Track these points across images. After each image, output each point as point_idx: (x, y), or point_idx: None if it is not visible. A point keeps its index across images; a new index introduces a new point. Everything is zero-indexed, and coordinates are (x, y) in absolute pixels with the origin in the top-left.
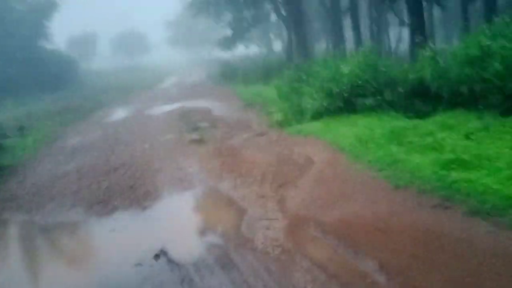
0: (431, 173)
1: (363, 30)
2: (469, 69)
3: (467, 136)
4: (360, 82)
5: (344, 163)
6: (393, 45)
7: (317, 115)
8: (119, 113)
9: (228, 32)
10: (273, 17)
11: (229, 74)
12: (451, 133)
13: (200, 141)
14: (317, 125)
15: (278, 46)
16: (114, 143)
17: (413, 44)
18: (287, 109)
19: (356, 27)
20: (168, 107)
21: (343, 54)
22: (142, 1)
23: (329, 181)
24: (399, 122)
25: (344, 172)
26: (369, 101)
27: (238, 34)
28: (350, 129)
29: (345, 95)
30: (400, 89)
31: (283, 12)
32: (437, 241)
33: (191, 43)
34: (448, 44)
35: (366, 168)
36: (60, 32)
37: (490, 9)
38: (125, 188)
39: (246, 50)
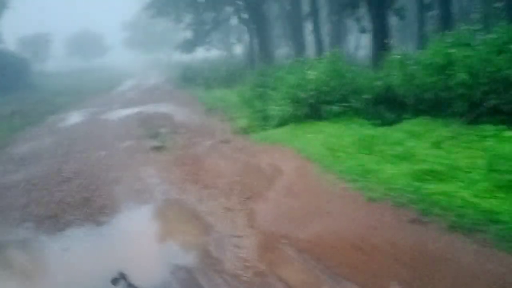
0: (405, 184)
1: (323, 36)
2: (435, 77)
3: (436, 145)
4: (326, 88)
5: (314, 174)
6: (351, 51)
7: (283, 122)
8: (74, 118)
9: (189, 34)
10: (234, 20)
11: (189, 78)
12: (419, 141)
13: (161, 149)
14: (283, 132)
15: (239, 50)
16: (68, 151)
17: (376, 50)
18: (251, 115)
19: (317, 33)
20: (126, 112)
21: (306, 59)
22: (99, 1)
23: (300, 193)
24: (367, 130)
25: (315, 183)
26: (335, 108)
27: (199, 37)
28: (317, 136)
29: (311, 101)
30: (367, 96)
31: (245, 16)
32: (420, 261)
33: (150, 46)
34: (404, 51)
35: (338, 179)
36: (13, 32)
37: (445, 17)
38: (80, 201)
39: (207, 54)
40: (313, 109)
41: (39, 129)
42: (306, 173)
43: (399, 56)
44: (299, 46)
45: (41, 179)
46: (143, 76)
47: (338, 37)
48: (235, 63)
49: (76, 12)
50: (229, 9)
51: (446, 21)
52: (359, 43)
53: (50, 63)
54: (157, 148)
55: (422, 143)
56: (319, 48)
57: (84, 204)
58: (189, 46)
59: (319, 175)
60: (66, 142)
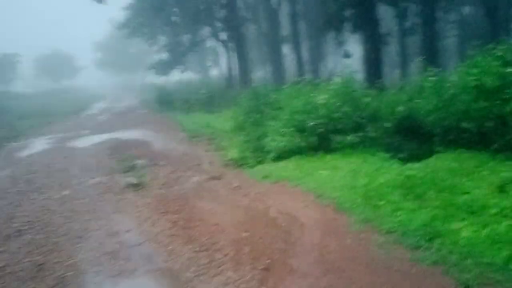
0: (506, 260)
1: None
2: (482, 102)
3: (501, 189)
4: (338, 115)
5: (353, 232)
6: (330, 73)
7: (284, 154)
8: (37, 146)
9: (164, 56)
10: (211, 42)
11: (165, 100)
12: (476, 184)
13: (138, 187)
14: (287, 167)
15: (214, 72)
16: (24, 189)
17: (370, 74)
18: (243, 145)
19: (297, 55)
20: (96, 138)
21: (313, 81)
22: (69, 20)
23: (344, 264)
24: (396, 166)
25: (362, 249)
26: (349, 138)
27: (175, 59)
28: (334, 174)
29: (320, 130)
30: (386, 124)
31: (223, 37)
32: None
33: (123, 67)
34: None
35: (394, 244)
36: None
37: (429, 38)
38: (28, 271)
39: (181, 76)
40: (321, 139)
41: None
42: (339, 229)
43: (434, 78)
44: (277, 68)
45: None
46: (116, 98)
47: (318, 59)
48: (213, 85)
49: (46, 31)
50: (206, 30)
51: (430, 44)
52: (337, 66)
53: (17, 84)
54: (133, 186)
55: (482, 186)
56: (299, 70)
57: (33, 277)
58: (164, 67)
59: (361, 235)
60: (23, 177)
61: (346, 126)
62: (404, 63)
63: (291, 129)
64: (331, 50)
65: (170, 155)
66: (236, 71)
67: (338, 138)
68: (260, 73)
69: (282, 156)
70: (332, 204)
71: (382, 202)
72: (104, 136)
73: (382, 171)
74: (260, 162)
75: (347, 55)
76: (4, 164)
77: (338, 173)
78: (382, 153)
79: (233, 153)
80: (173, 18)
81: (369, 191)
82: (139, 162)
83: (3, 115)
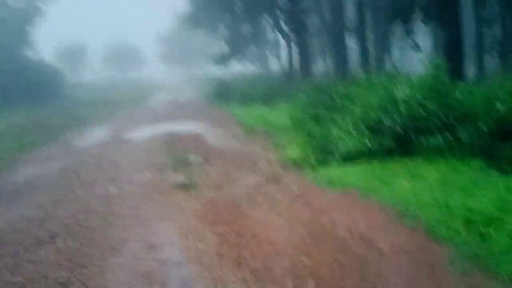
0: None
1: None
2: None
3: None
4: (422, 113)
5: (456, 273)
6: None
7: (353, 156)
8: (94, 136)
9: (224, 48)
10: (271, 34)
11: (224, 93)
12: None
13: (187, 187)
14: (357, 173)
15: (274, 65)
16: (70, 183)
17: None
18: (304, 143)
19: (363, 45)
20: (153, 130)
21: (391, 73)
22: (135, 14)
23: None
24: (497, 179)
25: None
26: (435, 140)
27: (235, 50)
28: (416, 184)
29: (400, 130)
30: (481, 125)
31: (284, 28)
32: None
33: (185, 60)
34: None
35: None
36: (48, 42)
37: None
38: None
39: (241, 68)
40: (399, 140)
41: (50, 149)
42: (437, 268)
43: None
44: (340, 60)
45: (14, 233)
46: (176, 90)
47: (383, 51)
48: (273, 78)
49: (113, 23)
50: (267, 21)
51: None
52: (402, 59)
53: (86, 74)
54: (183, 187)
55: None
56: (364, 62)
57: None
58: (224, 59)
59: (471, 280)
60: (73, 170)
61: (431, 127)
62: (480, 57)
63: (363, 127)
64: (397, 42)
65: (225, 151)
66: (296, 63)
67: (420, 140)
68: (320, 66)
69: (350, 158)
70: (420, 228)
71: (491, 231)
72: (161, 128)
73: (481, 184)
74: (323, 164)
75: (416, 47)
76: (59, 154)
77: (422, 184)
78: (476, 161)
79: (293, 152)
80: (235, 8)
81: (469, 213)
82: (192, 158)
83: (71, 104)
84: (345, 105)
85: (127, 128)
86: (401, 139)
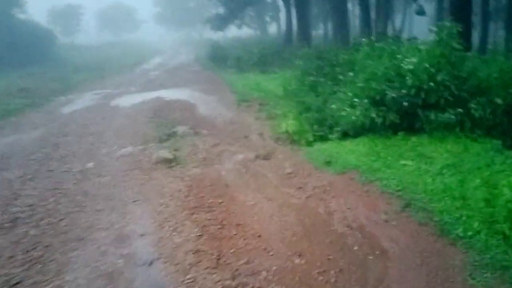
0: None
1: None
2: None
3: None
4: (431, 85)
5: None
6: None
7: (353, 131)
8: (82, 102)
9: (221, 10)
10: None
11: (219, 58)
12: None
13: (171, 163)
14: (357, 151)
15: (272, 29)
16: (47, 156)
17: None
18: (300, 115)
19: (364, 10)
20: (142, 97)
21: (398, 40)
22: None
23: None
24: None
25: None
26: (445, 116)
27: (231, 13)
28: (423, 166)
29: (405, 103)
30: (497, 100)
31: None
32: None
33: (181, 22)
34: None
35: None
36: (41, 4)
37: None
38: None
39: (238, 32)
40: (406, 116)
41: (36, 115)
42: (457, 281)
43: None
44: (341, 26)
45: None
46: (171, 53)
47: (385, 16)
48: (270, 42)
49: None
50: None
51: None
52: (404, 26)
53: (80, 36)
54: (166, 162)
55: None
56: (366, 28)
57: None
58: (221, 22)
59: None
60: (53, 140)
61: (440, 101)
62: (484, 24)
63: (365, 100)
64: (398, 7)
65: (215, 122)
66: (294, 27)
67: (427, 115)
68: (320, 31)
69: (350, 134)
70: (430, 223)
71: None
72: (151, 95)
73: (498, 168)
74: (320, 139)
75: (421, 12)
76: (41, 122)
77: (430, 166)
78: (490, 140)
79: (288, 125)
80: None
81: (490, 208)
82: (180, 129)
83: (63, 66)
84: (346, 74)
85: (116, 94)
86: (407, 113)
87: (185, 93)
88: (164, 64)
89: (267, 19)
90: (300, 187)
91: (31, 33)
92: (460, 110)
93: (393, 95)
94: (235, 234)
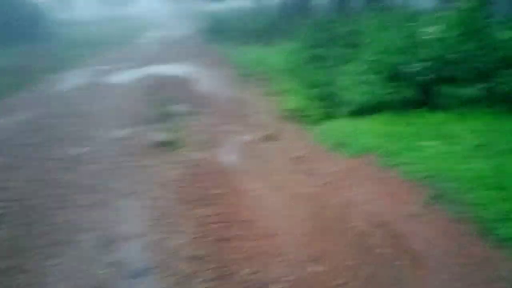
0: None
1: None
2: None
3: None
4: (453, 56)
5: None
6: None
7: (365, 109)
8: (74, 80)
9: None
10: None
11: (219, 31)
12: None
13: (169, 147)
14: (372, 130)
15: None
16: (33, 140)
17: None
18: (307, 91)
19: None
20: (138, 73)
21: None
22: None
23: None
24: None
25: None
26: (468, 91)
27: None
28: (449, 148)
29: (423, 78)
30: None
31: None
32: None
33: None
34: None
35: None
36: None
37: None
38: None
39: (239, 3)
40: (424, 91)
41: (25, 95)
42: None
43: None
44: None
45: None
46: (169, 26)
47: None
48: (270, 13)
49: None
50: None
51: None
52: None
53: (75, 11)
54: (163, 146)
55: None
56: None
57: None
58: None
59: None
60: (42, 123)
61: (465, 74)
62: None
63: (377, 75)
64: None
65: (216, 99)
66: None
67: (450, 90)
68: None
69: (361, 111)
70: (466, 220)
71: None
72: (147, 71)
73: None
74: (329, 117)
75: None
76: (31, 103)
77: (456, 147)
78: None
79: (293, 101)
80: None
81: None
82: (179, 108)
83: (55, 42)
84: (356, 47)
85: (111, 71)
86: (426, 89)
87: (183, 68)
88: (162, 38)
89: None
90: (312, 174)
91: (24, 10)
92: (485, 84)
93: (412, 69)
94: (239, 234)
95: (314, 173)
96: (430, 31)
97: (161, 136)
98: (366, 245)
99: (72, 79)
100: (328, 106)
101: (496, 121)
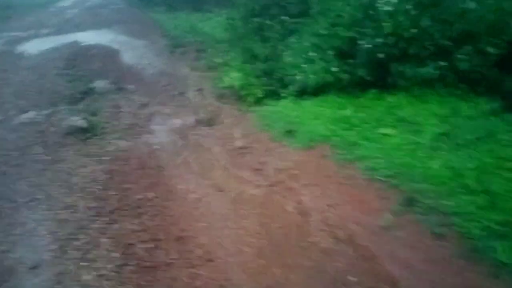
0: None
1: None
2: None
3: None
4: (412, 31)
5: None
6: None
7: (314, 90)
8: None
9: None
10: None
11: None
12: None
13: (86, 134)
14: (321, 114)
15: None
16: None
17: None
18: (246, 66)
19: None
20: (55, 42)
21: None
22: None
23: None
24: None
25: None
26: (425, 69)
27: None
28: (410, 137)
29: (380, 55)
30: (489, 49)
31: None
32: None
33: None
34: None
35: None
36: None
37: None
38: None
39: None
40: (377, 69)
41: None
42: None
43: None
44: None
45: None
46: None
47: None
48: None
49: None
50: None
51: None
52: None
53: None
54: (80, 133)
55: None
56: None
57: None
58: None
59: None
60: None
61: (422, 51)
62: None
63: (329, 51)
64: None
65: (144, 74)
66: None
67: (407, 69)
68: None
69: (311, 91)
70: (451, 236)
71: None
72: (65, 39)
73: (507, 139)
74: (272, 96)
75: None
76: None
77: (418, 136)
78: (483, 100)
79: (232, 78)
80: None
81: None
82: (99, 84)
83: None
84: (301, 16)
85: (24, 38)
86: (379, 68)
87: (106, 36)
88: (84, 1)
89: None
90: (258, 169)
91: None
92: (442, 63)
93: (368, 45)
94: (174, 259)
95: (261, 168)
96: (390, 1)
97: (78, 121)
98: (333, 271)
99: None
100: (271, 84)
101: (458, 104)
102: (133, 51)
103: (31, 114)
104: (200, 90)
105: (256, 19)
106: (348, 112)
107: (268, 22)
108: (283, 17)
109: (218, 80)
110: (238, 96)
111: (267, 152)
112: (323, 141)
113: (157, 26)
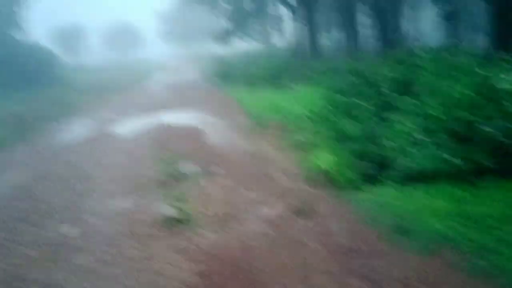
0: None
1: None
2: None
3: None
4: None
5: None
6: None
7: (420, 175)
8: (76, 130)
9: (225, 24)
10: (271, 7)
11: (227, 74)
12: None
13: (177, 227)
14: (436, 207)
15: (276, 40)
16: (14, 212)
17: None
18: (337, 145)
19: (381, 16)
20: (143, 123)
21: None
22: None
23: None
24: None
25: None
26: None
27: (237, 26)
28: None
29: (503, 140)
30: None
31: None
32: None
33: (186, 38)
34: None
35: None
36: (42, 24)
37: None
38: None
39: (245, 46)
40: (498, 153)
41: (21, 149)
42: None
43: None
44: (352, 36)
45: None
46: (177, 71)
47: (396, 22)
48: (279, 55)
49: (111, 1)
50: None
51: None
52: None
53: (84, 57)
54: (171, 225)
55: None
56: (382, 35)
57: None
58: (225, 35)
59: None
60: (29, 186)
61: None
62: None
63: (442, 134)
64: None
65: (230, 155)
66: (302, 39)
67: None
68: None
69: (417, 177)
70: None
71: None
72: (153, 119)
73: None
74: (369, 181)
75: (449, 15)
76: (25, 160)
77: None
78: None
79: (322, 159)
80: None
81: None
82: (187, 167)
83: (61, 88)
84: (401, 95)
85: (114, 119)
86: (502, 151)
87: (191, 116)
88: (168, 83)
89: (270, 30)
90: (370, 278)
91: (30, 55)
92: None
93: (490, 128)
94: None
95: (373, 277)
96: (505, 79)
97: (168, 209)
98: None
99: (74, 130)
100: (367, 167)
101: None
102: (217, 131)
103: (121, 200)
104: (288, 172)
105: (342, 98)
106: (469, 205)
107: (355, 101)
108: (377, 96)
109: (306, 161)
110: (330, 179)
111: (377, 255)
112: (443, 241)
113: (239, 104)
